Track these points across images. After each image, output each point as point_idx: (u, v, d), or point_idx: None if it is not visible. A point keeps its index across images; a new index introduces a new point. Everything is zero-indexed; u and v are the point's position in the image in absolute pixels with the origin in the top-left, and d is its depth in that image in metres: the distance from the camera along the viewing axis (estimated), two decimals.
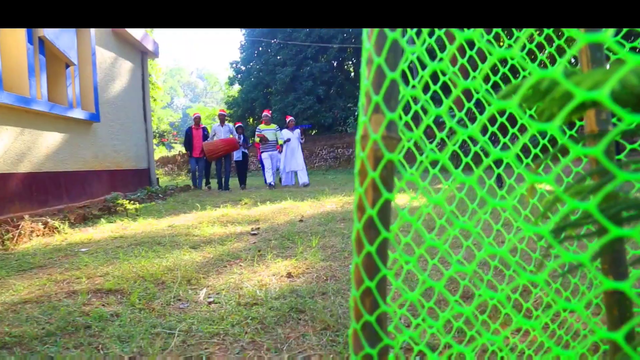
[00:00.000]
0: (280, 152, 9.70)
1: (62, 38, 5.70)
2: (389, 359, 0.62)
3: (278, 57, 21.75)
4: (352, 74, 22.80)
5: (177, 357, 1.35)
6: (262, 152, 9.52)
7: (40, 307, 1.82)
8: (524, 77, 1.24)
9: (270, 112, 10.06)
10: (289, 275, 2.23)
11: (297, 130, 10.00)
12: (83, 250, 3.05)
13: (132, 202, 5.37)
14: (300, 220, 4.08)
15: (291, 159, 9.87)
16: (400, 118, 0.63)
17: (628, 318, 0.90)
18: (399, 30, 0.55)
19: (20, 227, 3.43)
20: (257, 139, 9.48)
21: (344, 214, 4.36)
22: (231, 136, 9.60)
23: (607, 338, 0.72)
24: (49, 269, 2.55)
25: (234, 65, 24.44)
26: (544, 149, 1.14)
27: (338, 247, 2.87)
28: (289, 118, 10.23)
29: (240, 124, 10.51)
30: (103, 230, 3.92)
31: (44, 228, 3.67)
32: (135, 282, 2.14)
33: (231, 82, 25.23)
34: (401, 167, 0.59)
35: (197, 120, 9.86)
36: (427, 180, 0.90)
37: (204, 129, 9.85)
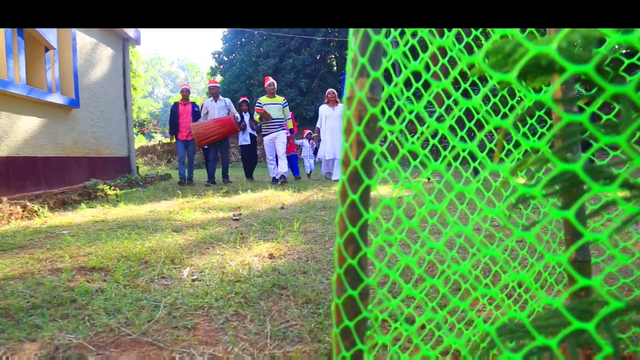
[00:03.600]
0: (288, 132, 7.79)
1: None
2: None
3: (261, 49, 21.64)
4: (335, 67, 22.83)
5: (163, 326, 1.39)
6: (263, 134, 7.47)
7: (24, 282, 1.84)
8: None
9: (272, 81, 7.54)
10: (271, 256, 2.28)
11: (339, 107, 7.68)
12: (64, 232, 3.05)
13: (112, 188, 5.33)
14: (282, 208, 4.13)
15: (334, 143, 7.59)
16: (383, 113, 0.69)
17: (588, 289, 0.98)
18: (383, 32, 0.61)
19: None
20: (256, 116, 7.35)
21: (325, 202, 4.43)
22: (229, 114, 7.58)
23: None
24: (30, 249, 2.55)
25: (217, 55, 24.22)
26: (517, 144, 1.22)
27: (319, 232, 2.93)
28: (330, 90, 7.81)
29: (245, 99, 8.49)
30: (84, 214, 3.90)
31: (23, 211, 3.64)
32: (118, 261, 2.17)
33: (213, 73, 25.00)
34: (382, 159, 0.65)
35: (185, 93, 7.80)
36: (408, 171, 0.97)
37: (194, 105, 7.82)
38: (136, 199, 5.03)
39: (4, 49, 4.90)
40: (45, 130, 5.84)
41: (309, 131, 10.10)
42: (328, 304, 1.55)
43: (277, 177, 7.33)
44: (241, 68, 21.88)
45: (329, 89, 7.85)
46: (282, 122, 7.48)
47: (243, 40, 22.50)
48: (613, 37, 0.38)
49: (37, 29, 5.43)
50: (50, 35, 5.89)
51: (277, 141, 7.36)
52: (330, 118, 7.62)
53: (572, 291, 0.93)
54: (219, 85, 7.91)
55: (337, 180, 7.36)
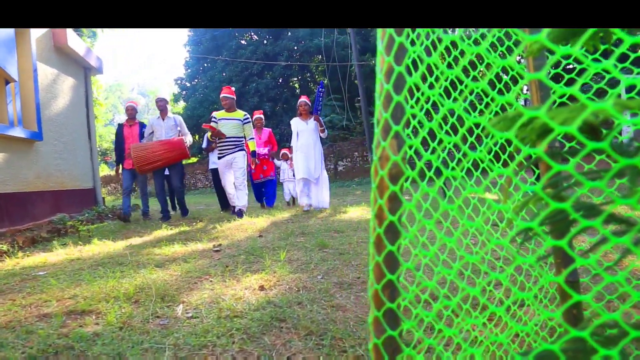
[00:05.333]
0: (248, 154, 6.35)
1: (1, 52, 5.46)
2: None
3: (224, 74, 21.68)
4: (298, 90, 23.09)
5: None
6: (218, 156, 6.15)
7: (13, 332, 1.79)
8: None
9: (228, 93, 6.19)
10: (262, 288, 2.30)
11: (312, 121, 6.44)
12: (40, 273, 2.96)
13: (83, 223, 5.19)
14: (260, 236, 4.14)
15: (307, 163, 6.35)
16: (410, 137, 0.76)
17: (579, 306, 1.07)
18: (407, 63, 0.68)
19: None
20: (208, 134, 6.22)
21: (302, 228, 4.46)
22: (179, 135, 6.44)
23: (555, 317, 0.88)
24: (8, 294, 2.46)
25: (179, 81, 24.06)
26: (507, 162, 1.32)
27: (303, 259, 2.97)
28: (301, 101, 6.54)
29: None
30: (57, 253, 3.79)
31: None
32: (108, 302, 2.13)
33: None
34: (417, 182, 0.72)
35: (131, 112, 6.77)
36: (434, 189, 1.04)
37: (142, 126, 6.75)
38: (108, 233, 4.92)
39: None
40: (7, 165, 5.64)
41: (284, 151, 8.98)
42: (331, 335, 1.59)
43: (237, 209, 6.03)
44: (204, 93, 21.83)
45: (301, 99, 6.59)
46: (240, 141, 6.11)
47: (206, 65, 22.49)
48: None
49: None
50: (10, 67, 5.74)
51: (234, 164, 6.02)
52: (303, 134, 6.44)
53: (566, 307, 1.02)
54: (167, 99, 6.62)
55: (318, 208, 6.40)
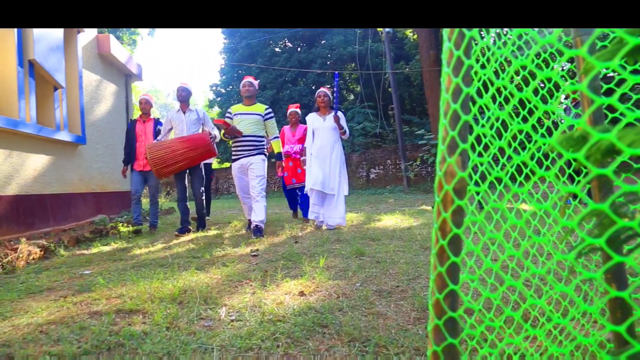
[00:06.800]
0: (267, 157, 5.14)
1: (51, 61, 5.72)
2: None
3: (258, 81, 22.03)
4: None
5: None
6: (232, 159, 5.04)
7: (68, 327, 1.87)
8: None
9: (250, 80, 5.20)
10: (302, 293, 2.32)
11: (331, 117, 5.31)
12: (87, 272, 3.07)
13: (124, 225, 5.35)
14: (296, 242, 4.17)
15: (323, 169, 5.20)
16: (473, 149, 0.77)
17: (628, 318, 1.05)
18: (473, 86, 0.69)
19: (18, 250, 3.42)
20: (221, 134, 5.02)
21: (337, 235, 4.48)
22: (204, 130, 5.40)
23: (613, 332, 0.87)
24: (58, 291, 2.57)
25: (214, 88, 24.56)
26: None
27: (340, 266, 2.98)
28: (321, 91, 5.45)
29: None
30: (100, 253, 3.92)
31: (40, 251, 3.66)
32: (153, 302, 2.20)
33: (211, 105, 25.30)
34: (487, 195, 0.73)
35: (145, 106, 5.77)
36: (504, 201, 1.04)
37: (158, 122, 5.84)
38: (147, 235, 5.05)
39: (16, 90, 5.00)
40: (53, 168, 5.89)
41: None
42: (375, 342, 1.59)
43: (249, 226, 5.03)
44: (239, 100, 22.13)
45: (320, 90, 5.47)
46: (260, 142, 4.98)
47: (240, 72, 22.87)
48: None
49: (47, 69, 5.54)
50: (58, 74, 6.00)
51: (250, 171, 4.87)
52: (320, 133, 5.30)
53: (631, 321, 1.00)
54: (190, 90, 5.50)
55: (332, 227, 5.09)
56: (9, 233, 4.77)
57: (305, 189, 5.36)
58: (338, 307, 2.06)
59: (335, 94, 5.21)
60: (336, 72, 5.02)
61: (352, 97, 20.78)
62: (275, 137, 5.12)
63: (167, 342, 1.66)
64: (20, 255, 3.38)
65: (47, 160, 5.71)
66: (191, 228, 5.10)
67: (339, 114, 5.32)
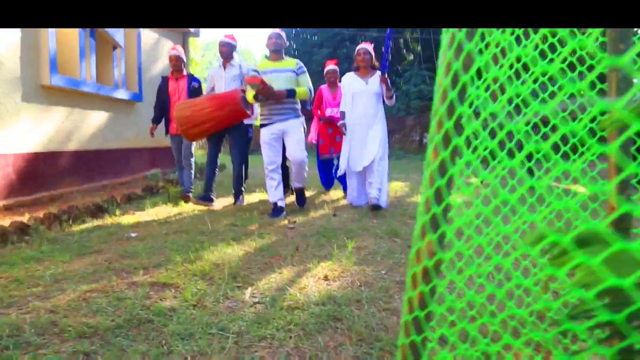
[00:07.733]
0: (305, 125, 4.44)
1: None
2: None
3: (315, 38, 21.68)
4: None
5: (232, 359, 1.54)
6: (261, 124, 4.30)
7: (106, 297, 2.05)
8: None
9: (278, 31, 4.30)
10: (326, 277, 2.40)
11: (375, 79, 4.51)
12: (133, 235, 3.30)
13: (174, 184, 5.62)
14: (334, 215, 4.24)
15: (362, 146, 4.47)
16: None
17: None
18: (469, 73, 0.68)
19: (74, 208, 3.71)
20: (249, 93, 4.15)
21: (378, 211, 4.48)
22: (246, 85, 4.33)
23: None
24: (105, 254, 2.81)
25: None
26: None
27: (370, 248, 3.02)
28: (361, 47, 4.60)
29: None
30: (148, 213, 4.18)
31: (94, 209, 3.95)
32: (186, 277, 2.35)
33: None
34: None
35: (175, 62, 5.03)
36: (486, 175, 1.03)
37: (192, 79, 5.12)
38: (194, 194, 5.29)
39: (77, 51, 5.24)
40: (111, 124, 6.21)
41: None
42: (381, 346, 1.64)
43: (278, 204, 4.20)
44: (295, 57, 22.04)
45: (361, 46, 4.62)
46: (296, 102, 4.30)
47: (298, 29, 22.62)
48: None
49: (107, 30, 5.74)
50: (117, 34, 6.21)
51: (287, 138, 4.24)
52: (361, 98, 4.49)
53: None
54: (232, 42, 4.83)
55: (379, 207, 4.37)
56: (70, 185, 5.16)
57: (340, 171, 4.82)
58: (357, 297, 2.12)
59: (385, 52, 4.35)
60: (389, 29, 4.32)
61: (411, 57, 20.04)
62: (309, 90, 4.25)
63: (191, 323, 1.80)
64: (78, 215, 3.67)
65: (105, 117, 6.03)
66: (214, 197, 4.77)
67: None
